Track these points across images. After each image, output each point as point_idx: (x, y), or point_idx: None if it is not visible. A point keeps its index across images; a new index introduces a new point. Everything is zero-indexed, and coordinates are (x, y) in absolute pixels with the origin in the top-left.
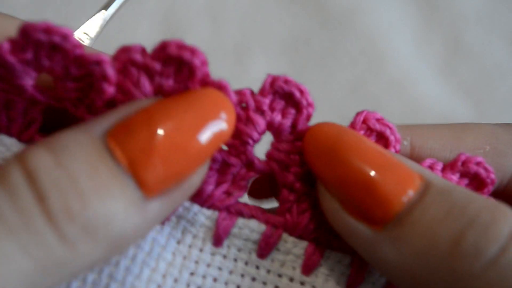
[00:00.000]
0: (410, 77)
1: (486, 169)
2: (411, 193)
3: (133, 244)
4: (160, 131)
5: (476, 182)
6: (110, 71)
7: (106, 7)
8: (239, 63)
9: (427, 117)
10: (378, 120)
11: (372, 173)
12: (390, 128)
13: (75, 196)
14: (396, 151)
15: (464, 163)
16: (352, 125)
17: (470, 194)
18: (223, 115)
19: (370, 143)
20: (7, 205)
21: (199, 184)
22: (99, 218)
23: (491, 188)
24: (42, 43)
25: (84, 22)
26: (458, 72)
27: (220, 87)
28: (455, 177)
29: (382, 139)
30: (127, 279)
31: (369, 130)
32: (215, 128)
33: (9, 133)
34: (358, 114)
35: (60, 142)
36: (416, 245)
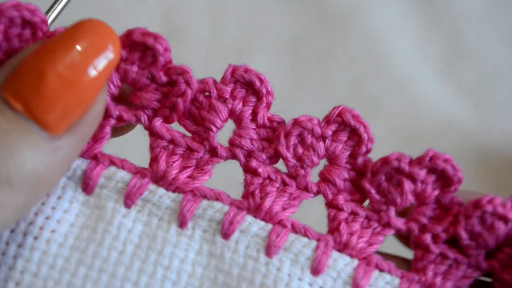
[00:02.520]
0: (410, 77)
1: (453, 167)
2: None
3: (57, 182)
4: (49, 71)
5: (443, 179)
6: None
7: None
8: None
9: (427, 117)
10: (354, 116)
11: None
12: (364, 126)
13: None
14: (368, 150)
15: (431, 158)
16: (327, 118)
17: None
18: (110, 46)
19: None
20: None
21: (103, 109)
22: (10, 167)
23: (457, 187)
24: (13, 19)
25: None
26: (458, 72)
27: (183, 72)
28: (422, 173)
29: (355, 136)
30: (95, 262)
31: (343, 125)
32: (104, 60)
33: None
34: (334, 108)
35: None
36: None
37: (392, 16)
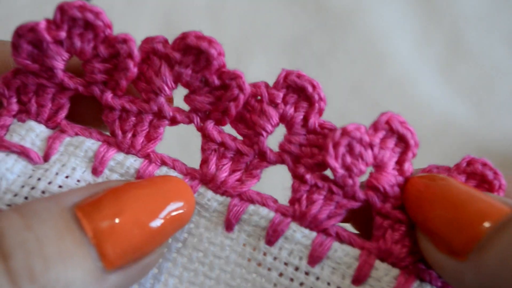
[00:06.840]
0: (410, 77)
1: (493, 171)
2: (488, 223)
3: None
4: (126, 210)
5: (486, 184)
6: (135, 49)
7: None
8: (239, 63)
9: (427, 117)
10: (401, 123)
11: (454, 210)
12: (411, 132)
13: (39, 258)
14: (414, 155)
15: (469, 163)
16: (375, 125)
17: None
18: (184, 201)
19: (456, 184)
20: None
21: (155, 264)
22: (59, 282)
23: (502, 193)
24: (76, 21)
25: None
26: (458, 72)
27: (236, 76)
28: (461, 178)
29: (402, 143)
30: None
31: (391, 132)
32: (176, 212)
33: (38, 119)
34: (382, 114)
35: (31, 208)
36: (495, 269)
37: (392, 16)
